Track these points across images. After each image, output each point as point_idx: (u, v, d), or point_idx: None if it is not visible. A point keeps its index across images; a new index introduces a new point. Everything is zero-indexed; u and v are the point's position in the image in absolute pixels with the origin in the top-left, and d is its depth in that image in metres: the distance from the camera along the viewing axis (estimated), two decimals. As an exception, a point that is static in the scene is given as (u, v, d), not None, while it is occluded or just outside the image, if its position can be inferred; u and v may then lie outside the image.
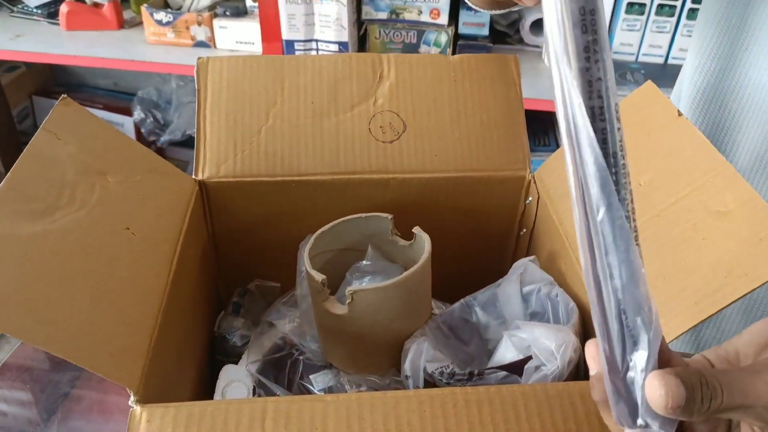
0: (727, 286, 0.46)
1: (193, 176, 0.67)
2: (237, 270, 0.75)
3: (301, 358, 0.63)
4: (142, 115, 2.05)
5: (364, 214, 0.65)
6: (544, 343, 0.51)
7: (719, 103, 0.74)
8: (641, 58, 1.69)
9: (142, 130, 2.07)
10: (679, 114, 0.57)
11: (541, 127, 1.86)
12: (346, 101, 0.70)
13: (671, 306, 0.48)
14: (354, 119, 0.70)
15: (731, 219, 0.48)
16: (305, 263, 0.59)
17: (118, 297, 0.50)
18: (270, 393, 0.62)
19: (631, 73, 1.67)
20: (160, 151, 2.06)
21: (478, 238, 0.77)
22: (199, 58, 0.70)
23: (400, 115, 0.70)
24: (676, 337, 0.47)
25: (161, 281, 0.55)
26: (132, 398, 0.46)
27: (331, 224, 0.64)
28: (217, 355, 0.70)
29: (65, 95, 0.60)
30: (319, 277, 0.57)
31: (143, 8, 1.65)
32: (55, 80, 2.28)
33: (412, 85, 0.71)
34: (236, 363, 0.67)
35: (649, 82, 0.62)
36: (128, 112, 2.09)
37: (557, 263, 0.65)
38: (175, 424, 0.45)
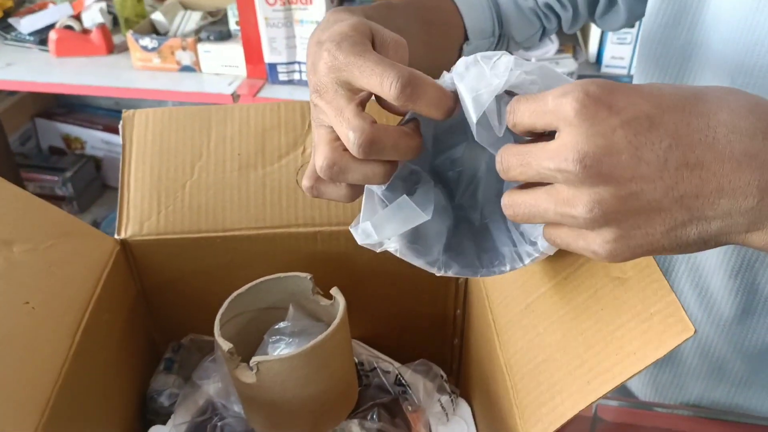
0: (618, 364, 0.43)
1: (115, 236, 0.66)
2: (173, 323, 0.74)
3: (219, 424, 0.62)
4: (140, 137, 2.05)
5: (282, 274, 0.63)
6: None
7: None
8: (633, 71, 1.65)
9: (140, 152, 2.08)
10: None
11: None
12: (273, 151, 0.69)
13: (567, 383, 0.46)
14: (281, 170, 0.68)
15: (627, 288, 0.46)
16: (215, 330, 0.58)
17: (8, 378, 0.49)
18: (190, 459, 0.61)
19: (624, 83, 1.63)
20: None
21: (412, 282, 0.74)
22: (124, 112, 0.69)
23: (329, 164, 0.68)
24: (568, 420, 0.45)
25: (59, 356, 0.54)
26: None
27: (248, 285, 0.62)
28: (148, 414, 0.69)
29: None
30: (226, 345, 0.56)
31: (128, 34, 1.66)
32: (58, 102, 2.30)
33: (342, 133, 0.70)
34: (165, 423, 0.66)
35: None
36: (127, 134, 2.10)
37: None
38: None
